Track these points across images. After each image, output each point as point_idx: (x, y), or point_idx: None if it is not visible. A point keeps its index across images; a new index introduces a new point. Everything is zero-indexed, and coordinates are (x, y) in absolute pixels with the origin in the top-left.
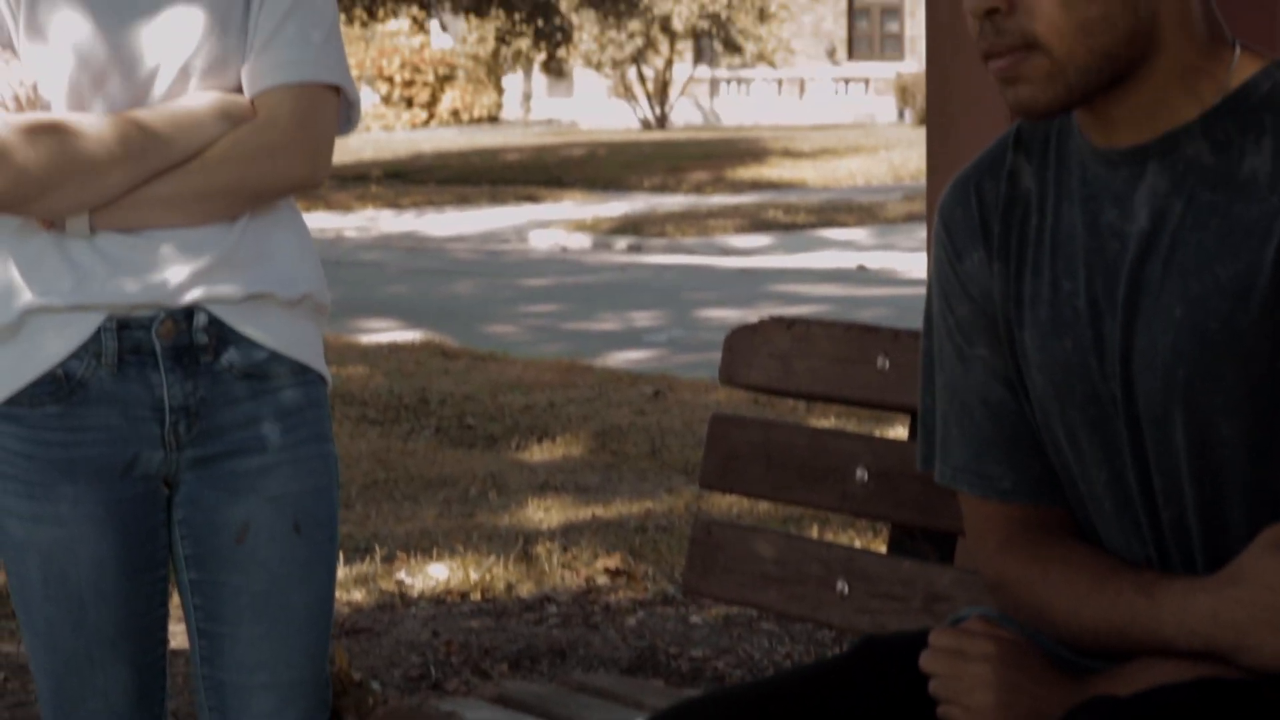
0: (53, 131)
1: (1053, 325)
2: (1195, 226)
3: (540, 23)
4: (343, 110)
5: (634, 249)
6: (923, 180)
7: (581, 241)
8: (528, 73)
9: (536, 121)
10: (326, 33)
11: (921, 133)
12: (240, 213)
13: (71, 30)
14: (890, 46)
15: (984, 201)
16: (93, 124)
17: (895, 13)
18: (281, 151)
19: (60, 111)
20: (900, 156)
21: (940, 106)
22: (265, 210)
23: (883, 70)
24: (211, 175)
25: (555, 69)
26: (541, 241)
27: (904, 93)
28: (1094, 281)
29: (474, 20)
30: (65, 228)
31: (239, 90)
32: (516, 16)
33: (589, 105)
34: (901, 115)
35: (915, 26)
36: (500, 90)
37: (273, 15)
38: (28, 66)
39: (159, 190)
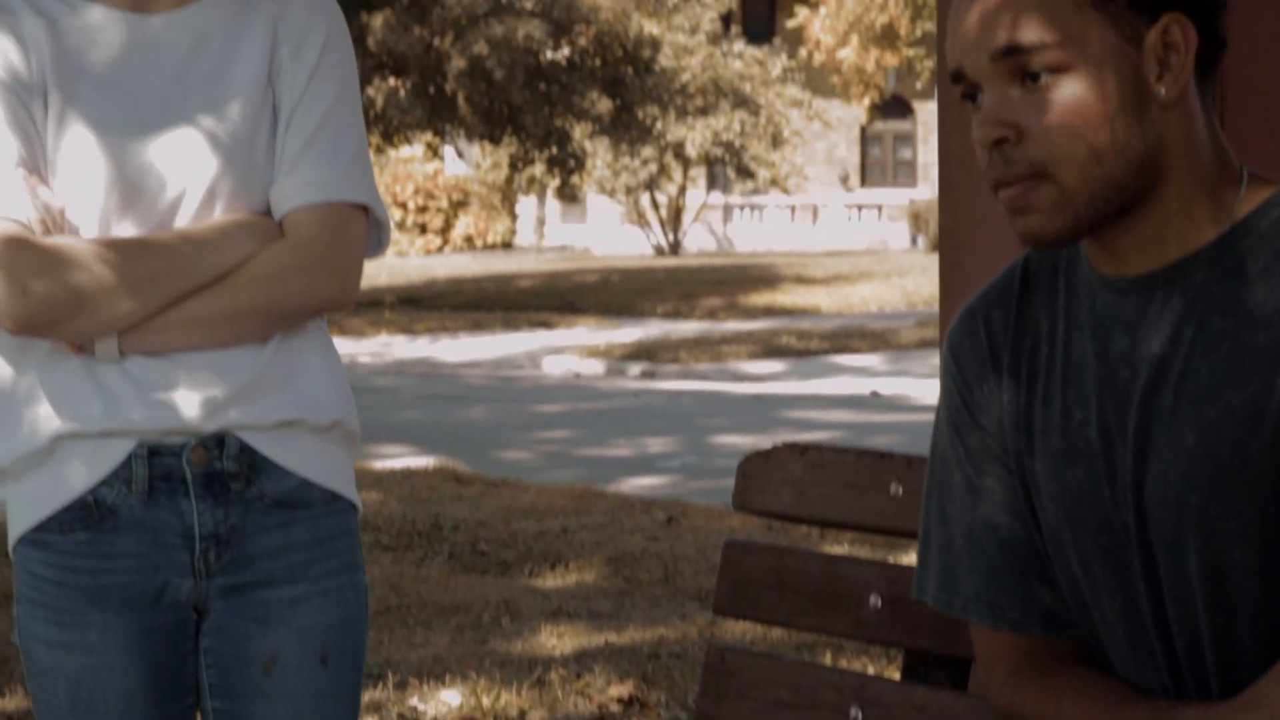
0: (80, 254)
1: (1064, 454)
2: (1206, 353)
3: (554, 149)
4: (373, 232)
5: (647, 375)
6: (935, 306)
7: (595, 367)
8: (541, 199)
9: (550, 248)
10: (354, 153)
11: (934, 259)
12: (270, 334)
13: (97, 155)
14: (903, 173)
15: (993, 332)
16: (120, 246)
17: (908, 140)
18: (309, 271)
19: (88, 235)
20: (913, 283)
21: (953, 233)
22: (295, 332)
23: (895, 197)
24: (240, 296)
25: (569, 195)
26: (555, 367)
27: (917, 219)
28: (1105, 410)
29: (488, 147)
30: (95, 352)
31: (267, 213)
32: (530, 143)
33: (602, 231)
34: (914, 241)
35: (928, 153)
36: (514, 216)
37: (300, 135)
38: (55, 190)
39: (188, 312)
